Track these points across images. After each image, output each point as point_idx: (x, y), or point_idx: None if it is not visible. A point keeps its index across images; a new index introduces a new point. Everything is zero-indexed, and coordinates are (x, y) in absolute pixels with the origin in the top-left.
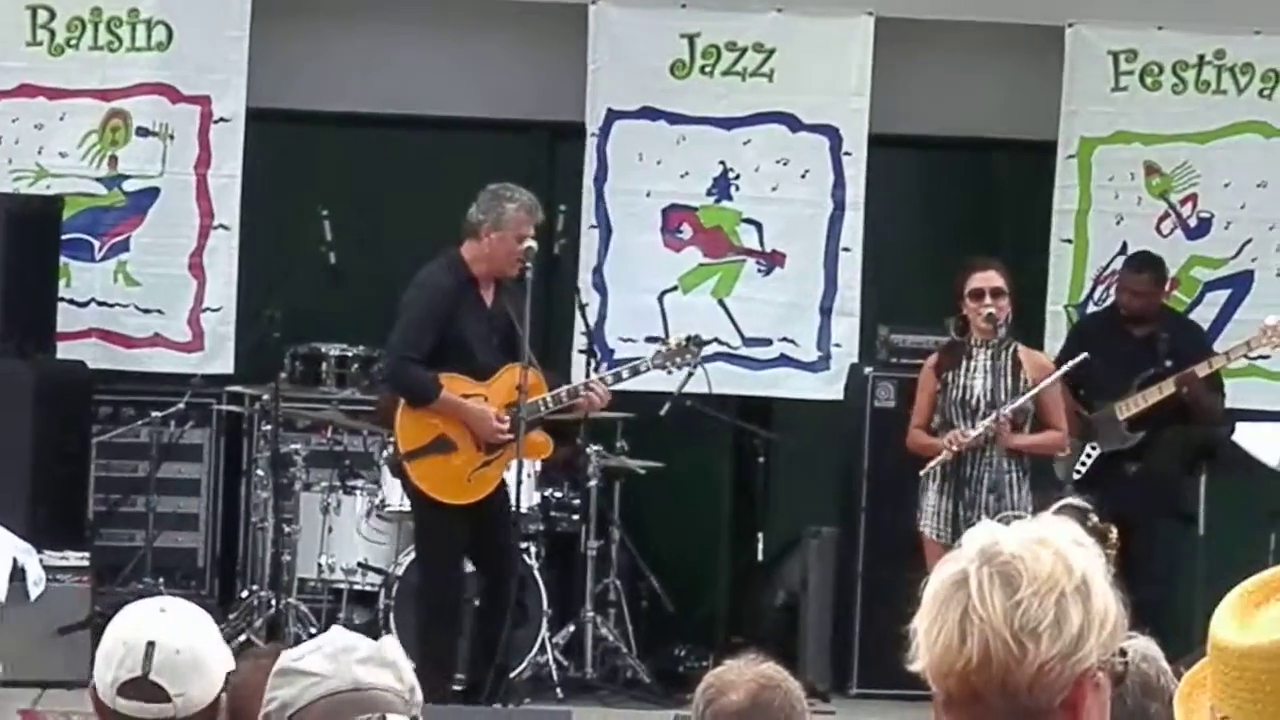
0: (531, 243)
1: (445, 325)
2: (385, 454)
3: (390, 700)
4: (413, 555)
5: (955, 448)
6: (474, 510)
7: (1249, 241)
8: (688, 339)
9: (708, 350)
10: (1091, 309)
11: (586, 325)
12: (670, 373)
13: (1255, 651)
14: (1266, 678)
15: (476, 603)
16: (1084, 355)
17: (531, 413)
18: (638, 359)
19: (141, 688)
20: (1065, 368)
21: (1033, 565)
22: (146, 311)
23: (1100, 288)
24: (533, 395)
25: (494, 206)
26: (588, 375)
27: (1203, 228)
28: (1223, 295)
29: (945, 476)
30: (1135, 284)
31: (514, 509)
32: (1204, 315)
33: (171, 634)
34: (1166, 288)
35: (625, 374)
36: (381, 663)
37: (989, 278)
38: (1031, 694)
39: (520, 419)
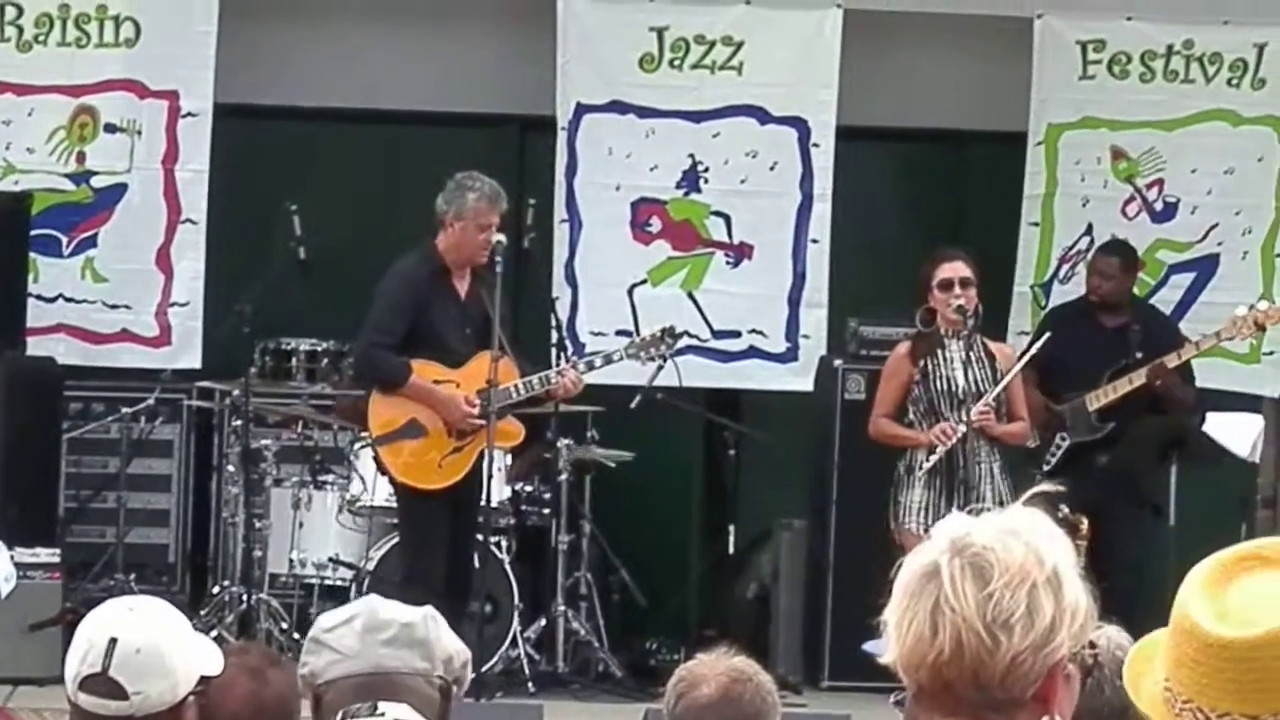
0: (500, 236)
1: (417, 313)
2: (355, 449)
3: (412, 684)
4: (383, 550)
5: (949, 443)
6: (452, 500)
7: (1215, 226)
8: (663, 330)
9: (678, 343)
10: (1057, 288)
11: (558, 319)
12: (644, 363)
13: (1266, 641)
14: (1276, 665)
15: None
16: (1047, 335)
17: (502, 400)
18: (612, 349)
19: (100, 684)
20: (1033, 348)
21: (1004, 557)
22: (114, 307)
23: (1065, 267)
24: (505, 383)
25: (456, 196)
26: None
27: (1169, 212)
28: (1187, 278)
29: (935, 471)
30: (1105, 266)
31: (486, 502)
32: (1169, 297)
33: (134, 632)
34: (1135, 278)
35: (599, 363)
36: (409, 642)
37: (957, 268)
38: (1004, 685)
39: (490, 410)
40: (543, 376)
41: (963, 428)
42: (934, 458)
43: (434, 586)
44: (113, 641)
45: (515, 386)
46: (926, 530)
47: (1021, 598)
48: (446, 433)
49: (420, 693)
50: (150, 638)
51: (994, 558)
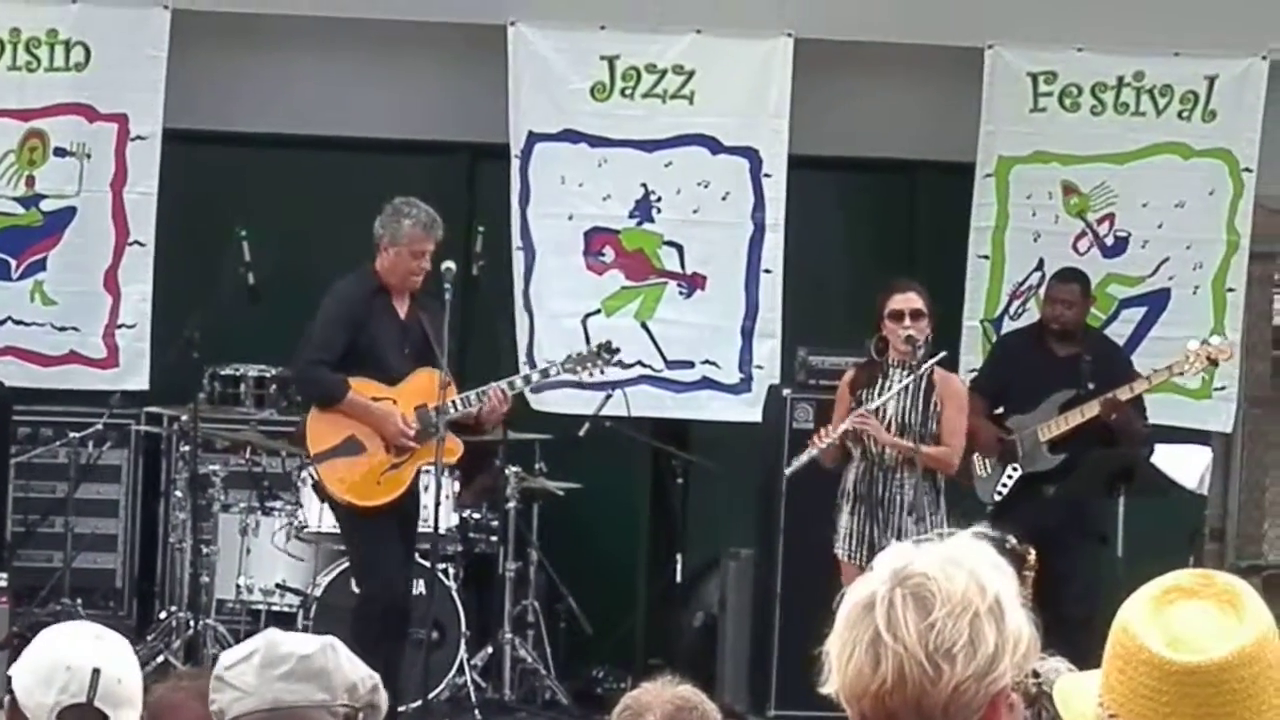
0: (449, 263)
1: (356, 331)
2: (302, 475)
3: (314, 715)
4: (331, 576)
5: (825, 440)
6: (394, 516)
7: (1166, 260)
8: (599, 346)
9: (630, 374)
10: (1008, 324)
11: (517, 344)
12: (581, 377)
13: (1232, 663)
14: (1241, 686)
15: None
16: (942, 354)
17: (440, 416)
18: (549, 365)
19: (85, 714)
20: (930, 362)
21: (946, 586)
22: (62, 329)
23: (1016, 302)
24: (442, 400)
25: (392, 222)
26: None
27: (1119, 246)
28: (1139, 312)
29: (857, 497)
30: (1064, 294)
31: (433, 528)
32: (1119, 332)
33: (113, 662)
34: (1089, 304)
35: (535, 378)
36: (305, 675)
37: (909, 299)
38: (947, 714)
39: (439, 425)
40: (479, 393)
41: (842, 427)
42: (804, 456)
43: (393, 603)
44: (96, 672)
45: (454, 402)
46: (850, 556)
47: (964, 627)
48: (384, 449)
49: None
50: (126, 667)
51: (936, 587)
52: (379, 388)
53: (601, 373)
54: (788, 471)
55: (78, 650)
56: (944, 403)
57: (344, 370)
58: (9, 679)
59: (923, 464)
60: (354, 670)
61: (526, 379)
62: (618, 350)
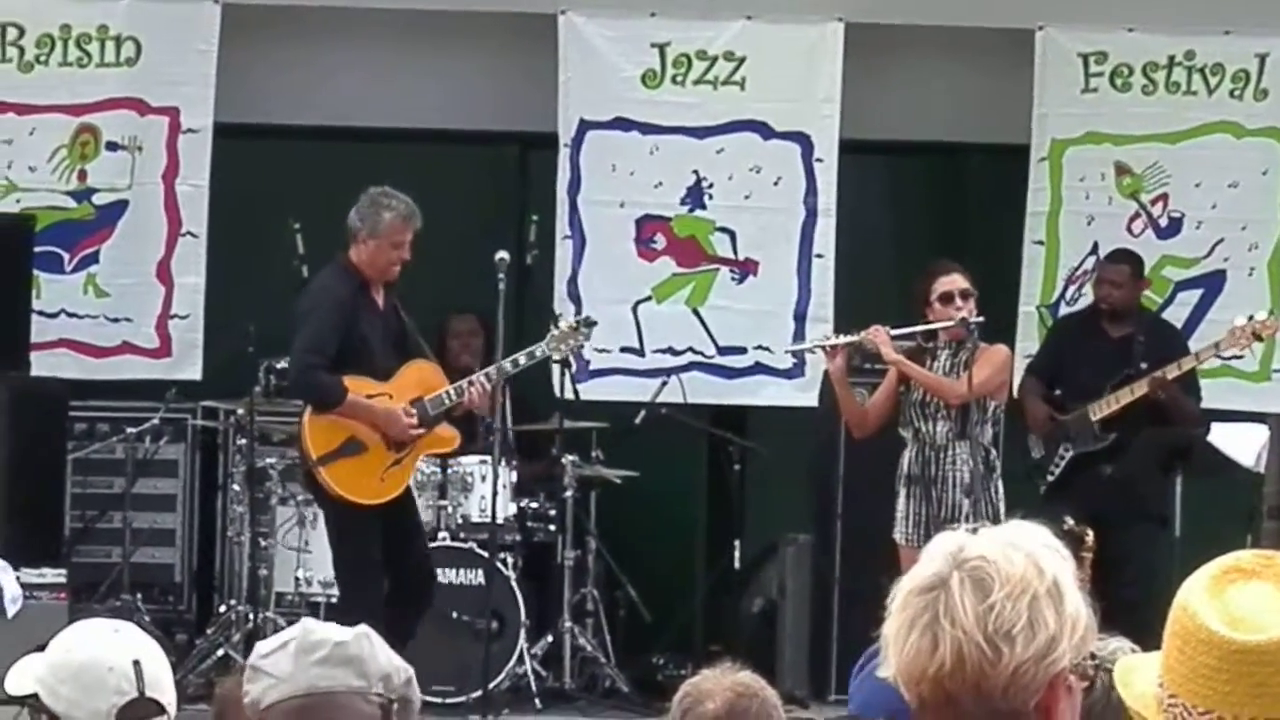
0: (503, 253)
1: (346, 331)
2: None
3: (347, 701)
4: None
5: (836, 340)
6: (384, 513)
7: (1220, 241)
8: (578, 321)
9: (681, 360)
10: (1064, 309)
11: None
12: (564, 355)
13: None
14: None
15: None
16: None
17: (436, 407)
18: (535, 346)
19: (140, 707)
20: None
21: (1004, 568)
22: (115, 320)
23: (1072, 288)
24: (435, 390)
25: (371, 213)
26: (562, 389)
27: (1174, 227)
28: (1195, 295)
29: (911, 480)
30: (1114, 275)
31: (491, 518)
32: (1176, 315)
33: (147, 650)
34: (1143, 288)
35: (522, 360)
36: (341, 660)
37: (955, 280)
38: (1006, 697)
39: (441, 410)
40: (468, 381)
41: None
42: (807, 343)
43: (376, 602)
44: (137, 663)
45: (447, 393)
46: (908, 540)
47: (1023, 609)
48: (385, 446)
49: (357, 710)
50: (156, 652)
51: (994, 569)
52: (373, 385)
53: (581, 347)
54: (787, 348)
55: (110, 648)
56: (978, 358)
57: (337, 369)
58: (35, 696)
59: (924, 384)
60: (389, 660)
61: (514, 362)
62: (595, 323)
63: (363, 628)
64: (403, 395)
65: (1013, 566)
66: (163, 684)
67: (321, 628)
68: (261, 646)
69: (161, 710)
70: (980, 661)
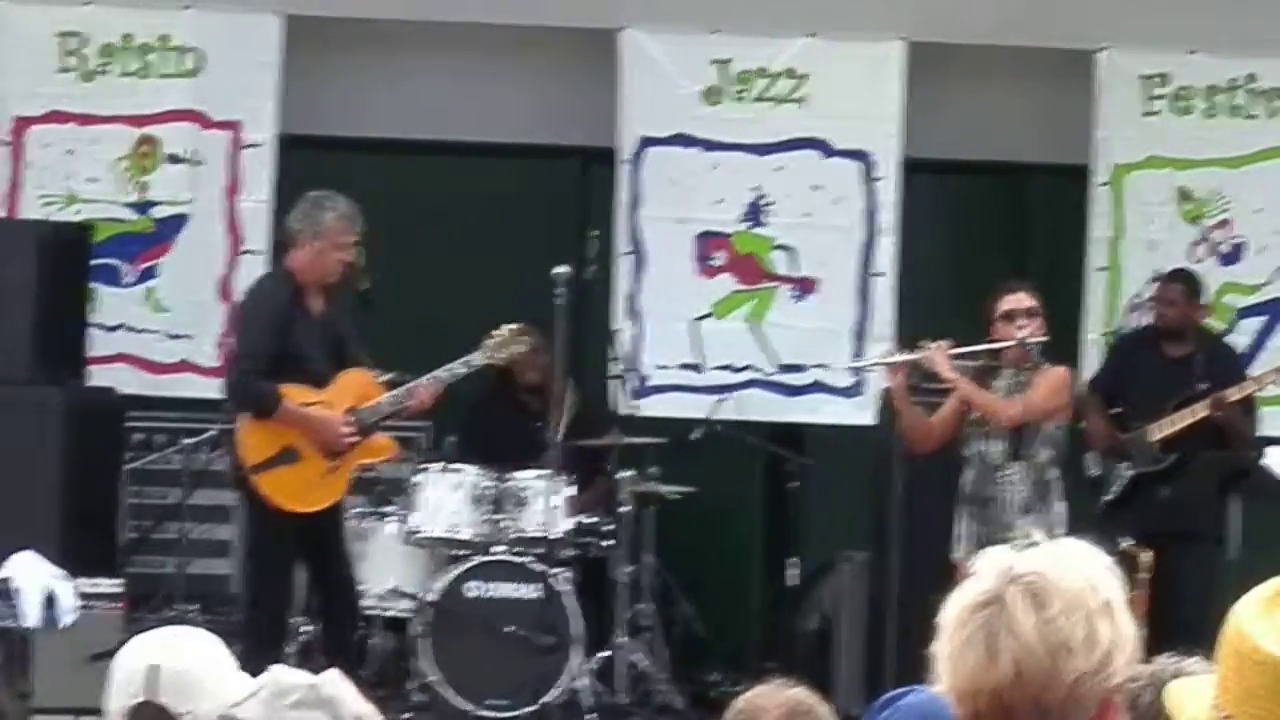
0: (564, 267)
1: (282, 338)
2: (414, 480)
3: None
4: (444, 581)
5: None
6: (310, 526)
7: None
8: (514, 328)
9: (740, 378)
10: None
11: (614, 353)
12: (501, 362)
13: None
14: None
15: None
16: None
17: (372, 415)
18: (471, 355)
19: (147, 711)
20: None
21: (1060, 583)
22: (175, 337)
23: (1134, 315)
24: (371, 399)
25: (312, 215)
26: (617, 403)
27: (1235, 253)
28: (1257, 322)
29: (969, 499)
30: (1168, 293)
31: (546, 534)
32: (1238, 343)
33: (173, 656)
34: (1201, 307)
35: (459, 369)
36: (315, 703)
37: (1020, 299)
38: (1064, 710)
39: (374, 420)
40: (408, 389)
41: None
42: (867, 360)
43: (280, 608)
44: (153, 668)
45: (383, 401)
46: (966, 559)
47: (1080, 622)
48: (320, 454)
49: None
50: (190, 659)
51: (1050, 585)
52: (309, 392)
53: (519, 353)
54: (847, 365)
55: (138, 650)
56: (1036, 379)
57: (272, 377)
58: None
59: (972, 400)
60: (359, 703)
61: (451, 371)
62: (529, 329)
63: (332, 672)
64: (339, 403)
65: (1068, 582)
66: (180, 690)
67: (292, 674)
68: (230, 698)
69: (170, 717)
70: (1041, 674)
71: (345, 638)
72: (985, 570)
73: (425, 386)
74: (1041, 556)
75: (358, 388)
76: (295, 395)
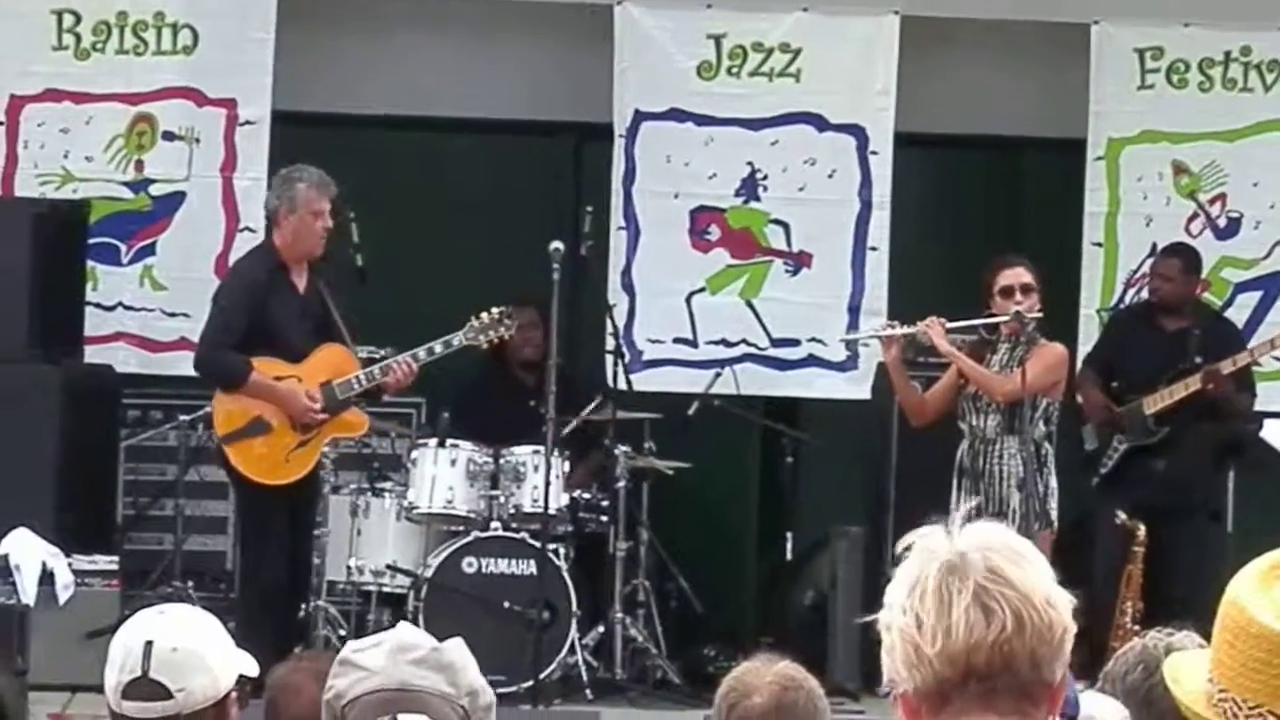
0: (557, 243)
1: (258, 312)
2: (412, 456)
3: (436, 704)
4: (441, 557)
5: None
6: (290, 493)
7: (1279, 242)
8: (500, 311)
9: (735, 352)
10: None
11: (614, 326)
12: (483, 345)
13: None
14: None
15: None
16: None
17: (345, 392)
18: (452, 335)
19: (143, 687)
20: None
21: (1017, 544)
22: (173, 315)
23: (1131, 291)
24: (346, 374)
25: (285, 190)
26: (614, 378)
27: (1232, 228)
28: (1254, 297)
29: (964, 472)
30: (1165, 268)
31: (544, 508)
32: (1235, 317)
33: (168, 633)
34: (1199, 282)
35: (439, 348)
36: (437, 665)
37: (1018, 274)
38: (1051, 667)
39: (350, 394)
40: (382, 367)
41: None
42: (863, 332)
43: (273, 582)
44: (149, 644)
45: (357, 378)
46: None
47: (1050, 579)
48: (291, 427)
49: (443, 715)
50: (185, 637)
51: (1012, 543)
52: (282, 366)
53: (502, 337)
54: (842, 338)
55: (135, 627)
56: (1032, 355)
57: (247, 351)
58: None
59: (971, 376)
60: (478, 677)
61: (430, 350)
62: (511, 314)
63: (458, 640)
64: (313, 378)
65: (1023, 544)
66: (176, 667)
67: (418, 633)
68: (354, 644)
69: (166, 694)
70: (1038, 622)
71: (292, 608)
72: (934, 543)
73: (401, 364)
74: (973, 531)
75: (333, 363)
76: (267, 369)
